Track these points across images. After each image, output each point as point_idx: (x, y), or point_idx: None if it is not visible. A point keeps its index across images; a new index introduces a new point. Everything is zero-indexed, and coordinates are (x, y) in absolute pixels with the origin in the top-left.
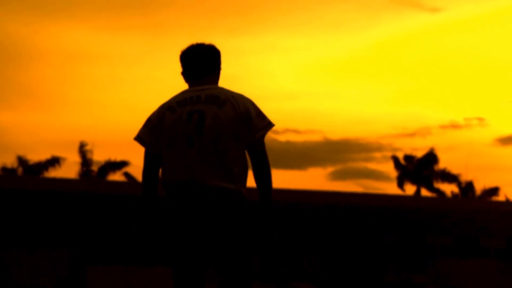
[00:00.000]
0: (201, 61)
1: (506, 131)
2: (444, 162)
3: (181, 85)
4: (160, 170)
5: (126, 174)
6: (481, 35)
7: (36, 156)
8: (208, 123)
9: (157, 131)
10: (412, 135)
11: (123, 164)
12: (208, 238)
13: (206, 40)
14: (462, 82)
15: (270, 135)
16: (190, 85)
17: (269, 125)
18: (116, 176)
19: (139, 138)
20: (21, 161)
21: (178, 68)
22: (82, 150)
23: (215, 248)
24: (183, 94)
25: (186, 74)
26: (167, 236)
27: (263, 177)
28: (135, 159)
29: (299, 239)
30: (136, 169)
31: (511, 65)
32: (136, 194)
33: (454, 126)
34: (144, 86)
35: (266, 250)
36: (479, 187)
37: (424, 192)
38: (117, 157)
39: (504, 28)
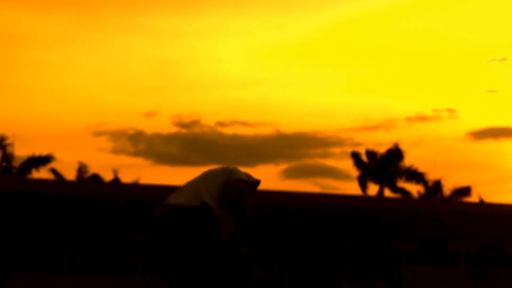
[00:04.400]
0: None
1: (479, 124)
2: (410, 159)
3: (115, 76)
4: None
5: (53, 171)
6: (451, 17)
7: None
8: None
9: None
10: (374, 128)
11: (48, 159)
12: None
13: (141, 20)
14: (431, 69)
15: (215, 128)
16: None
17: None
18: (41, 173)
19: None
20: None
21: (111, 52)
22: (2, 144)
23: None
24: None
25: None
26: None
27: None
28: (62, 153)
29: (249, 245)
30: (64, 165)
31: (485, 51)
32: (65, 193)
33: (422, 118)
34: (73, 72)
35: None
36: (448, 186)
37: (388, 192)
38: (42, 151)
39: (477, 11)
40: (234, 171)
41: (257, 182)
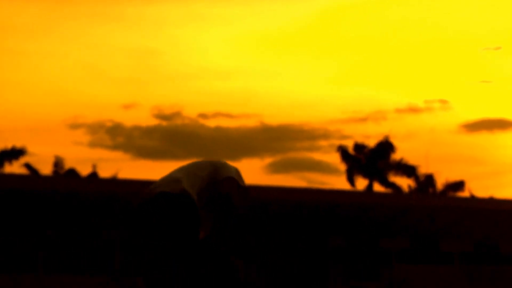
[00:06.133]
0: None
1: (473, 116)
2: (401, 152)
3: (92, 66)
4: None
5: (27, 165)
6: (444, 4)
7: None
8: None
9: None
10: (363, 120)
11: (21, 152)
12: None
13: (120, 7)
14: (422, 58)
15: (197, 120)
16: None
17: None
18: (14, 168)
19: None
20: None
21: (88, 41)
22: None
23: None
24: None
25: None
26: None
27: None
28: (36, 147)
29: (230, 243)
30: (38, 159)
31: (478, 40)
32: (40, 189)
33: (413, 109)
34: (48, 62)
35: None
36: (440, 181)
37: (378, 187)
38: (15, 144)
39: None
40: (224, 166)
41: (247, 188)
